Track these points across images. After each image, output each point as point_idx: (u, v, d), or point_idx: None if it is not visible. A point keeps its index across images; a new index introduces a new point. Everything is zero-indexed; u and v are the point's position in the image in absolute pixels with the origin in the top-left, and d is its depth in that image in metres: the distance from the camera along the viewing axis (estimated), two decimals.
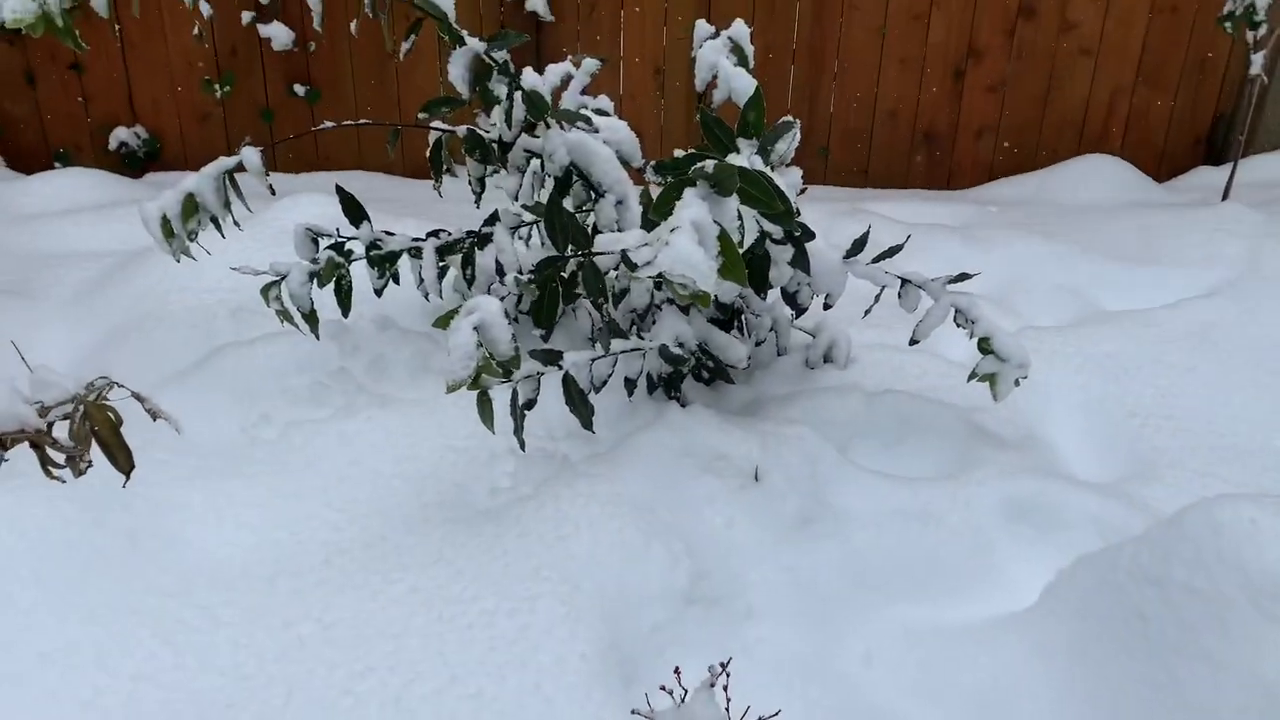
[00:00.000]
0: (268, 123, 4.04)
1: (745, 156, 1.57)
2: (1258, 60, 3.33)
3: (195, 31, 3.83)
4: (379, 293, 2.32)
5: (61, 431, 0.86)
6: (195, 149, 4.08)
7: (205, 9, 3.83)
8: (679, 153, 1.56)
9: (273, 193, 2.15)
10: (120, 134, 4.01)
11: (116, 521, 1.75)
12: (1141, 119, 4.11)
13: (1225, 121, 4.09)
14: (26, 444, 0.83)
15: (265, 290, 2.11)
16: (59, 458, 0.86)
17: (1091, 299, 3.11)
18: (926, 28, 3.97)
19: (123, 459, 0.90)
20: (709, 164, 1.30)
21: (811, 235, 1.92)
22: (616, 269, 2.13)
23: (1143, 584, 1.61)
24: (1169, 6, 3.92)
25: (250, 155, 2.10)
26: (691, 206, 1.27)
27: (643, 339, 2.11)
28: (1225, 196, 3.55)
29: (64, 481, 0.89)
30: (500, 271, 2.28)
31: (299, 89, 3.97)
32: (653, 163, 1.58)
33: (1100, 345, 2.67)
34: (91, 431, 0.86)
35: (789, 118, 1.85)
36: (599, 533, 1.78)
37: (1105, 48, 3.99)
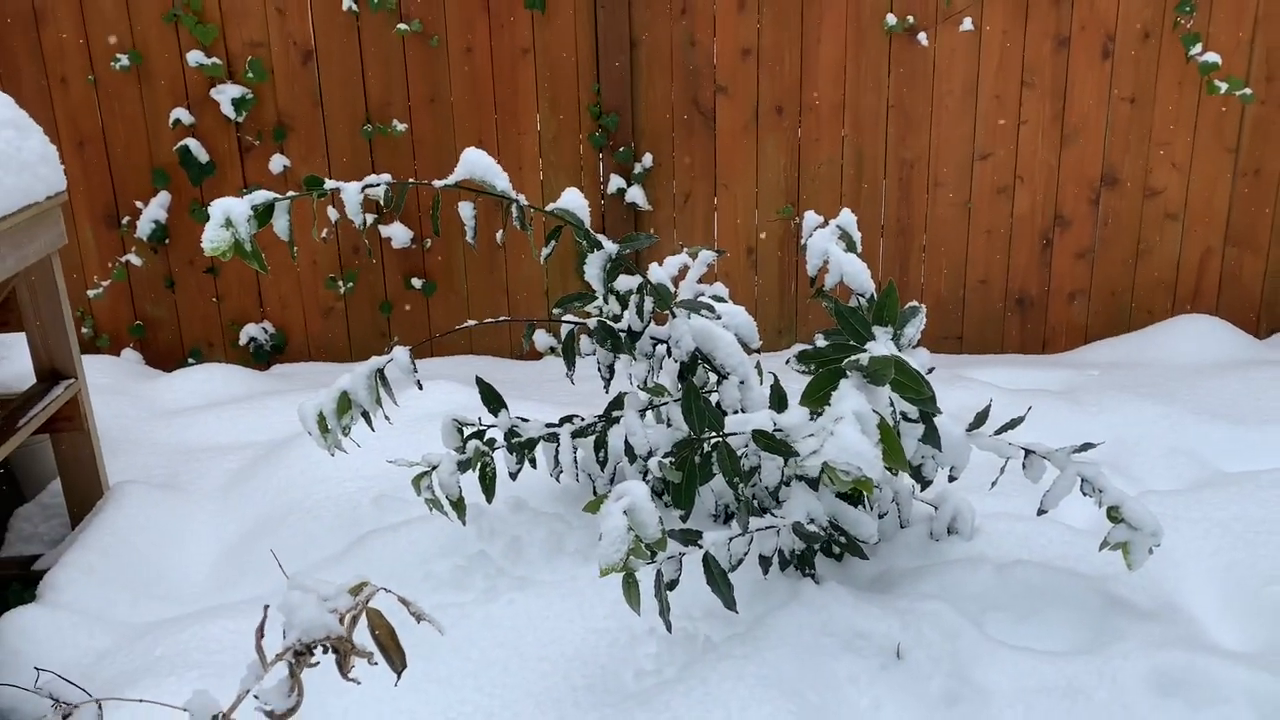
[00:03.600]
0: (385, 315, 4.29)
1: (882, 343, 1.66)
2: None
3: (322, 234, 4.13)
4: (514, 476, 2.43)
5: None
6: (318, 341, 4.34)
7: (332, 214, 4.16)
8: (820, 340, 1.67)
9: (420, 387, 2.30)
10: (250, 330, 4.29)
11: None
12: (1234, 278, 4.15)
13: None
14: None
15: (417, 480, 2.23)
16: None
17: (1207, 461, 3.09)
18: (1012, 200, 4.12)
19: (399, 660, 0.98)
20: (864, 357, 1.39)
21: (939, 411, 1.99)
22: (746, 448, 2.21)
23: None
24: (1252, 170, 4.02)
25: (401, 355, 2.26)
26: (850, 398, 1.35)
27: (774, 515, 2.17)
28: None
29: (359, 683, 0.97)
30: (629, 451, 2.38)
31: (416, 282, 4.23)
32: (796, 352, 1.69)
33: (1225, 509, 2.64)
34: (372, 635, 0.94)
35: (915, 303, 1.95)
36: (750, 716, 1.80)
37: (1190, 212, 4.09)
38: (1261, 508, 2.63)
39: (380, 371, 2.30)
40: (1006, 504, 2.70)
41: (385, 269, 4.25)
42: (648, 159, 4.13)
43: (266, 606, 0.99)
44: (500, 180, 2.04)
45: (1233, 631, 2.29)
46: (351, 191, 1.97)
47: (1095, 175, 4.08)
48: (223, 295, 4.29)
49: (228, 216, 1.87)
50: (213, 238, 1.84)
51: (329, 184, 1.96)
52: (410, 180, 2.06)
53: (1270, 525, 2.55)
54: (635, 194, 4.14)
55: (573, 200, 2.13)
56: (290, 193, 1.94)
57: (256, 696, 0.98)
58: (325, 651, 0.94)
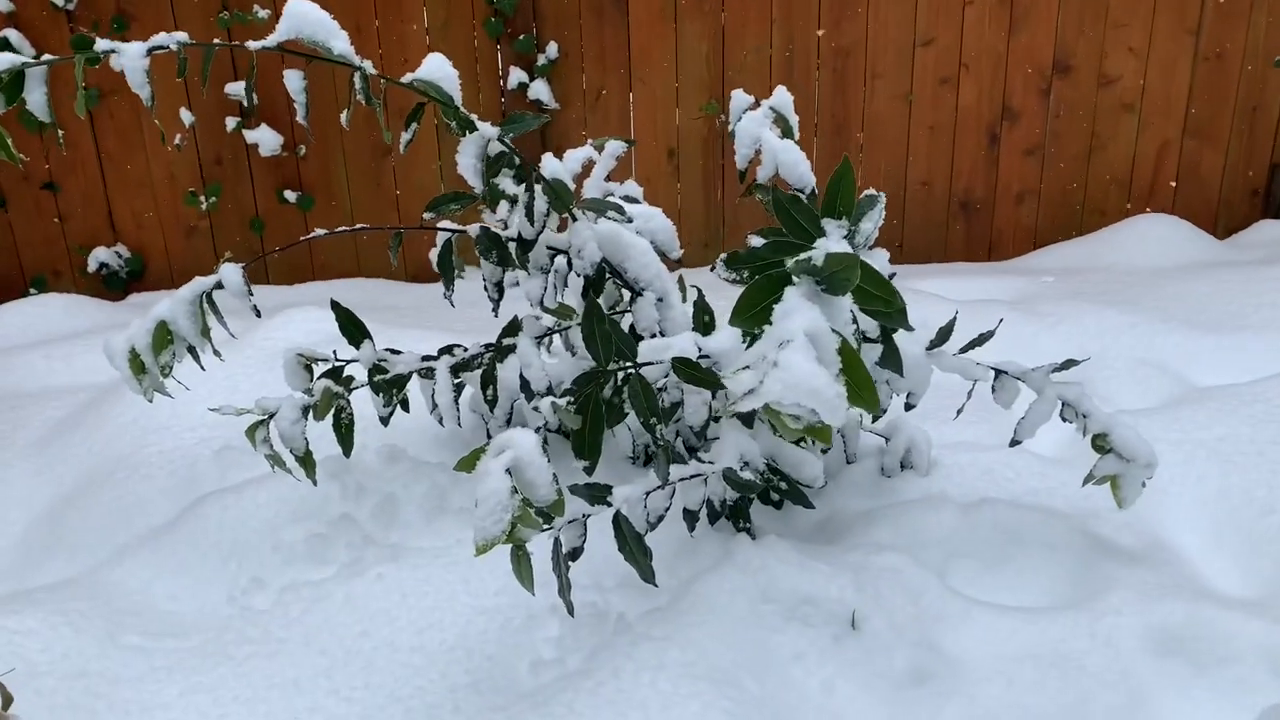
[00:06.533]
0: (258, 234, 3.77)
1: (835, 241, 1.25)
2: None
3: (176, 141, 3.57)
4: (385, 421, 2.00)
5: None
6: (182, 265, 3.81)
7: (187, 117, 3.60)
8: (754, 240, 1.26)
9: (258, 314, 1.84)
10: (100, 254, 3.73)
11: None
12: (1193, 173, 3.83)
13: None
14: None
15: (251, 431, 1.78)
16: None
17: (1181, 374, 2.77)
18: (956, 92, 3.72)
19: None
20: (818, 255, 0.98)
21: (909, 328, 1.60)
22: (665, 378, 1.81)
23: None
24: (1214, 54, 3.67)
25: (230, 273, 1.79)
26: (800, 312, 0.95)
27: (701, 460, 1.77)
28: None
29: None
30: (525, 388, 1.96)
31: (290, 196, 3.71)
32: (723, 256, 1.27)
33: (1208, 429, 2.32)
34: None
35: (872, 191, 1.55)
36: (674, 717, 1.42)
37: (1148, 101, 3.74)
38: (1249, 425, 2.32)
39: (208, 295, 1.83)
40: (965, 432, 2.35)
41: (254, 180, 3.71)
42: (552, 49, 3.63)
43: None
44: (338, 41, 1.57)
45: (1232, 573, 1.98)
46: (133, 55, 1.48)
47: (1046, 62, 3.69)
48: (66, 214, 3.72)
49: None
50: None
51: (101, 44, 1.47)
52: (216, 41, 1.57)
53: (1260, 446, 2.24)
54: (539, 89, 3.65)
55: (436, 69, 1.67)
56: (47, 56, 1.45)
57: None
58: None
